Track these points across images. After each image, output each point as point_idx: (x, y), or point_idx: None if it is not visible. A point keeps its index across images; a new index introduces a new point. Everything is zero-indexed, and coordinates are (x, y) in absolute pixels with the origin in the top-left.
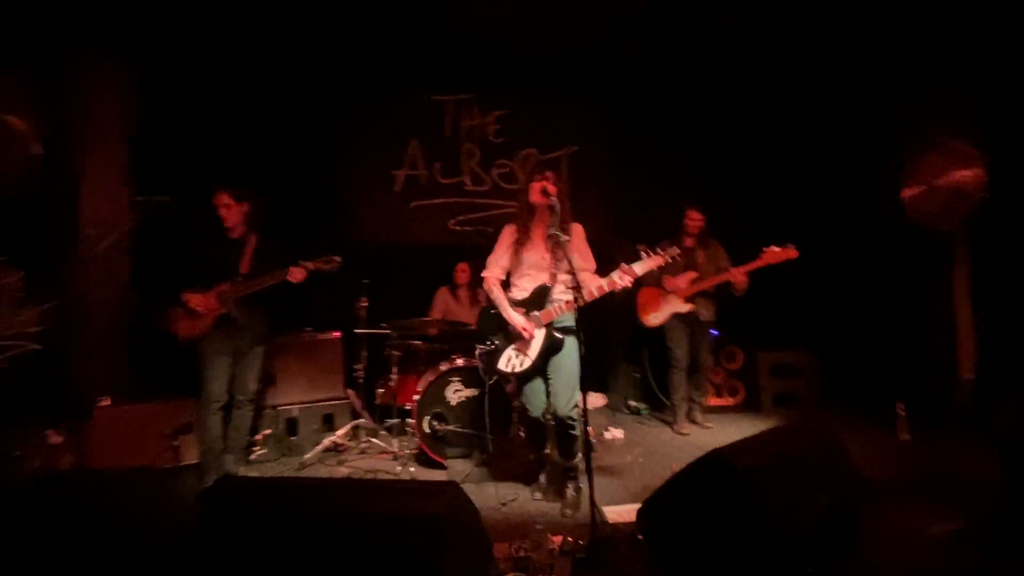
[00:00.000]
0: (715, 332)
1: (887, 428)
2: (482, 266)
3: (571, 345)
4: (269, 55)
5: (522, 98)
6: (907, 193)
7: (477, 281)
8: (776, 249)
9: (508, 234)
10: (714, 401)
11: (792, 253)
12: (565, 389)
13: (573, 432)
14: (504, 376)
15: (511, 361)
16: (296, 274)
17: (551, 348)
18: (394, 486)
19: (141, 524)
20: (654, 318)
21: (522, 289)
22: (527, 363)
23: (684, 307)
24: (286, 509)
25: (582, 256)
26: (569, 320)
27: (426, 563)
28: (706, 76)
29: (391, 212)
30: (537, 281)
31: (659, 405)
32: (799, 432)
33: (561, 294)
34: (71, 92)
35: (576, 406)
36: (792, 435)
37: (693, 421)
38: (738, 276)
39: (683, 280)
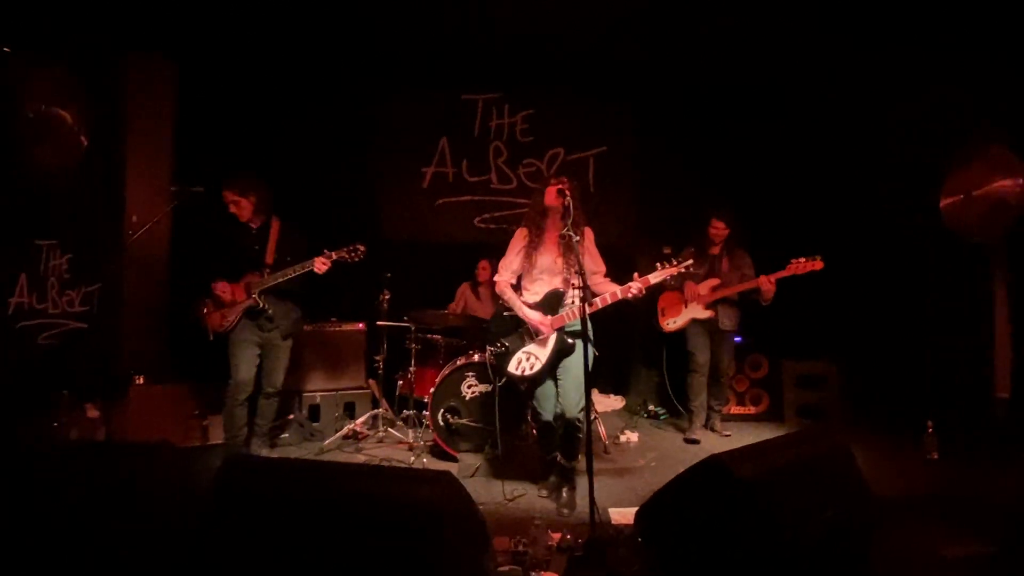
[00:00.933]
0: (738, 339)
1: (915, 445)
2: None
3: (580, 348)
4: (304, 53)
5: (550, 98)
6: (944, 202)
7: None
8: (803, 260)
9: (520, 238)
10: (736, 409)
11: (818, 264)
12: (573, 391)
13: (579, 435)
14: (514, 379)
15: (521, 364)
16: (320, 264)
17: (562, 352)
18: (392, 473)
19: (162, 498)
20: (672, 323)
21: (534, 293)
22: (537, 366)
23: (704, 313)
24: (287, 489)
25: (593, 260)
26: (579, 324)
27: (421, 550)
28: (738, 80)
29: (418, 208)
30: (549, 285)
31: (678, 410)
32: (807, 441)
33: (573, 299)
34: (116, 87)
35: (583, 409)
36: (798, 444)
37: (712, 429)
38: (765, 283)
39: (704, 287)
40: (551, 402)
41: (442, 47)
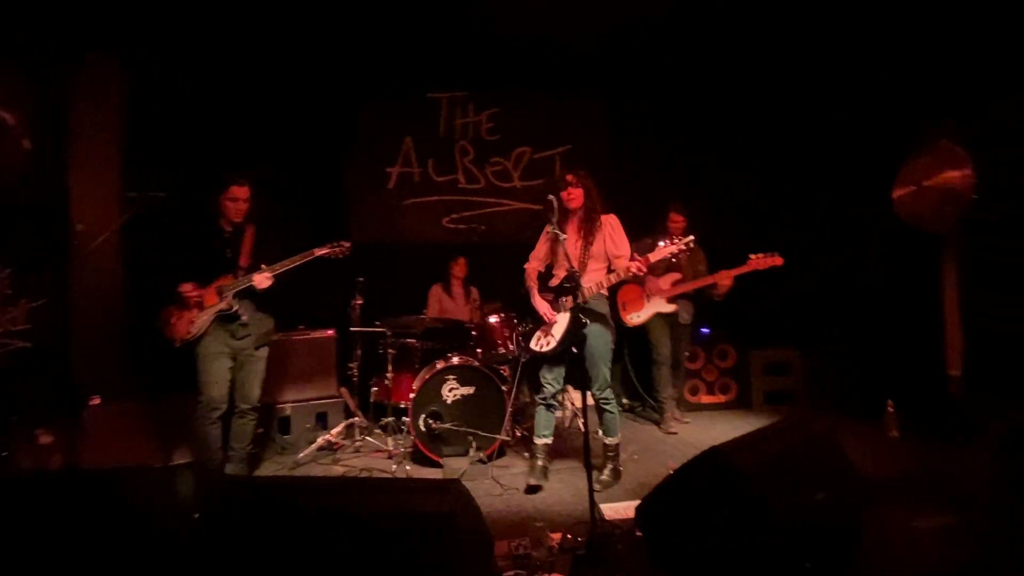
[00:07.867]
0: (706, 330)
1: (877, 425)
2: (478, 264)
3: (597, 329)
4: (263, 52)
5: (516, 96)
6: (896, 193)
7: (471, 278)
8: (761, 256)
9: (546, 233)
10: (706, 398)
11: (777, 260)
12: (594, 371)
13: (609, 410)
14: (534, 354)
15: (539, 341)
16: (319, 252)
17: (574, 329)
18: (400, 484)
19: (137, 525)
20: (636, 317)
21: (559, 277)
22: (552, 343)
23: (667, 307)
24: (294, 509)
25: (616, 244)
26: (595, 303)
27: (436, 561)
28: (700, 77)
29: (385, 210)
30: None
31: (648, 402)
32: (797, 430)
33: (587, 280)
34: (60, 87)
35: (603, 387)
36: (790, 432)
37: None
38: (724, 279)
39: (665, 281)
40: (555, 378)
41: (407, 45)
